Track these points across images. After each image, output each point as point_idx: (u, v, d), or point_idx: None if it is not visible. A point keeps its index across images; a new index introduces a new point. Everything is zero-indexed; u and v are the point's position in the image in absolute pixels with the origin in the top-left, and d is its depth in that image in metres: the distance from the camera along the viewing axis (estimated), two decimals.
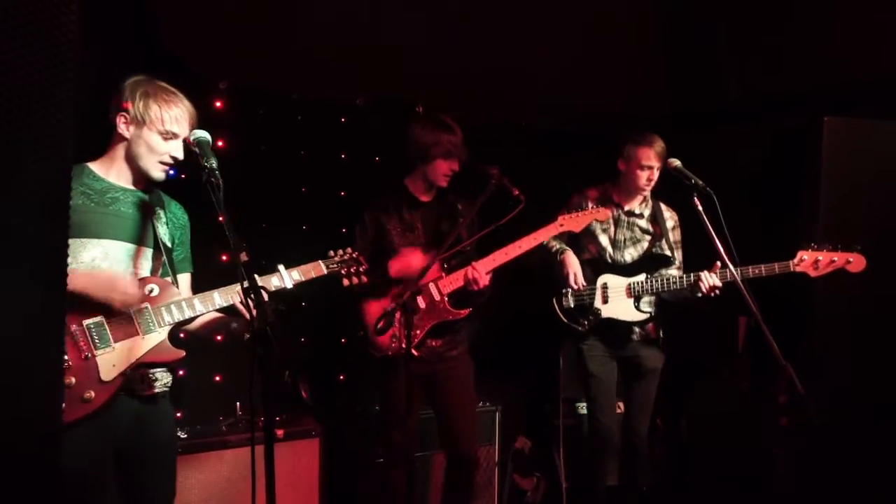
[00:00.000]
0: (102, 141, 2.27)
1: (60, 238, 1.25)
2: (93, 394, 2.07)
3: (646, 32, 4.16)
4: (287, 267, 2.39)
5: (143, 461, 2.25)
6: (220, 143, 3.52)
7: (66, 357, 2.03)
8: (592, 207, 3.26)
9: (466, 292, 3.07)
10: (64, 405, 1.92)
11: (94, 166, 2.24)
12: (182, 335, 2.36)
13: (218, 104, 3.73)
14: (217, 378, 3.63)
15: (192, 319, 2.27)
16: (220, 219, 2.01)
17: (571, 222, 3.17)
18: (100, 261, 2.15)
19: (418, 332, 3.06)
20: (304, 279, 2.42)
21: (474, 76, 3.99)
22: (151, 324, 2.18)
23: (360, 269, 2.54)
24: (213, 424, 3.40)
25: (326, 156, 4.12)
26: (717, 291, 3.14)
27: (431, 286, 3.08)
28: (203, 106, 3.64)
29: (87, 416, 2.06)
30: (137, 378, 2.21)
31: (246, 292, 1.91)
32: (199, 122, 2.27)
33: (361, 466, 3.68)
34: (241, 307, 2.21)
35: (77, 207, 2.08)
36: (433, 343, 3.12)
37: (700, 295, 3.25)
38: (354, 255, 2.55)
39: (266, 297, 2.12)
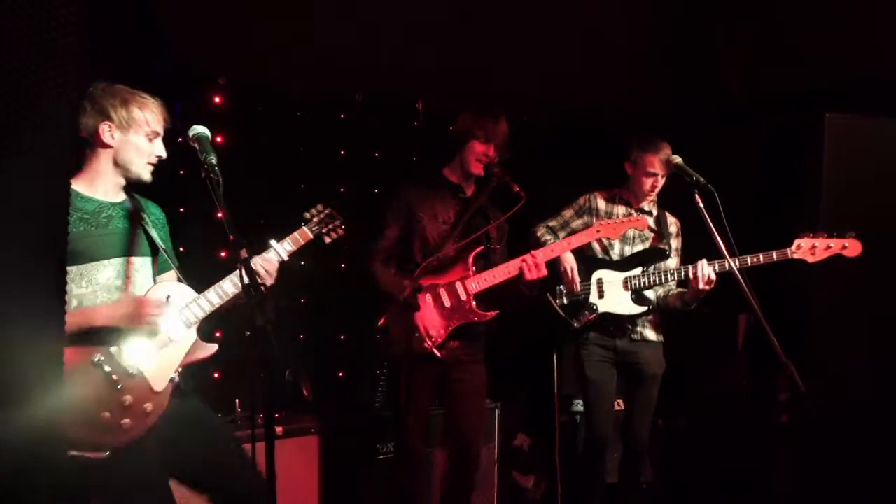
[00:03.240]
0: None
1: (60, 237, 1.24)
2: (151, 406, 2.14)
3: (646, 31, 4.15)
4: (277, 240, 2.46)
5: (205, 445, 2.33)
6: (218, 139, 3.50)
7: (115, 378, 2.08)
8: (631, 216, 3.29)
9: (494, 294, 3.03)
10: (130, 422, 2.06)
11: (78, 186, 2.21)
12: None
13: (217, 100, 3.71)
14: (216, 375, 3.61)
15: (213, 313, 2.31)
16: (220, 215, 2.01)
17: (608, 229, 3.15)
18: (114, 279, 2.19)
19: (442, 331, 2.98)
20: (295, 248, 2.48)
21: (474, 73, 3.98)
22: (179, 328, 2.24)
23: (337, 225, 2.59)
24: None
25: (325, 152, 4.11)
26: (711, 286, 3.12)
27: (458, 285, 3.01)
28: (202, 101, 3.68)
29: (154, 426, 2.14)
30: None
31: (246, 289, 1.90)
32: (196, 119, 2.28)
33: (361, 463, 3.68)
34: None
35: (81, 234, 2.14)
36: (452, 344, 3.04)
37: (693, 306, 3.25)
38: (328, 212, 2.58)
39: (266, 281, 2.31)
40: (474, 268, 3.04)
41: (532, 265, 2.96)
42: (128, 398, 2.09)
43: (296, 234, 2.49)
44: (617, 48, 4.11)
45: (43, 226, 1.21)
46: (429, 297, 3.01)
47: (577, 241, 3.15)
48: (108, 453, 2.02)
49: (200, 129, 2.17)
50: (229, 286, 2.31)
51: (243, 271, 1.91)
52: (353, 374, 4.10)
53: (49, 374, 1.23)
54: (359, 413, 3.84)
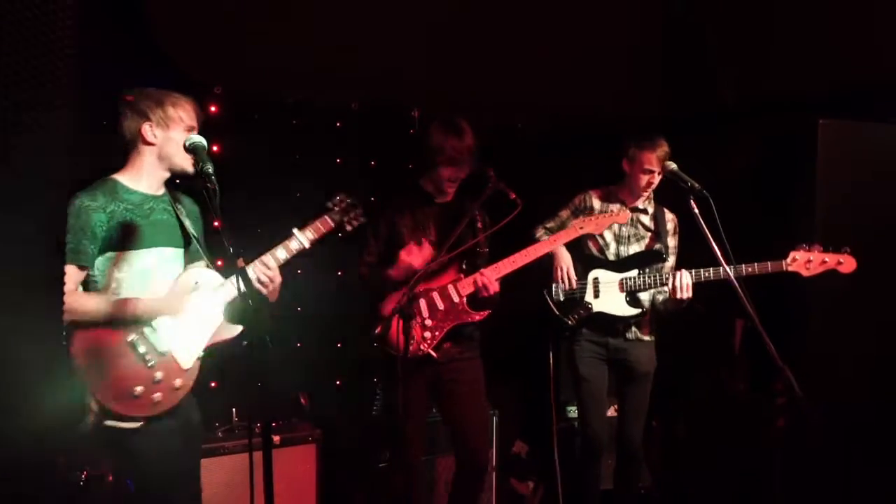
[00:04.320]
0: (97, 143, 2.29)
1: (58, 233, 1.25)
2: (180, 381, 2.31)
3: (641, 36, 4.17)
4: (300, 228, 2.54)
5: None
6: (215, 148, 3.51)
7: (148, 356, 2.26)
8: (611, 211, 3.29)
9: (484, 295, 3.07)
10: (161, 395, 2.26)
11: (124, 179, 2.35)
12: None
13: (213, 109, 3.72)
14: (213, 384, 3.61)
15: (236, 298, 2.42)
16: (216, 224, 2.01)
17: (591, 224, 3.19)
18: (148, 267, 2.33)
19: (437, 333, 3.04)
20: (317, 237, 2.55)
21: (470, 80, 3.99)
22: (207, 310, 2.38)
23: (358, 214, 2.67)
24: (209, 431, 3.38)
25: (321, 160, 4.11)
26: (689, 291, 3.13)
27: (450, 288, 3.07)
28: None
29: (180, 401, 2.32)
30: None
31: (243, 298, 1.91)
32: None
33: (359, 471, 3.67)
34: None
35: (127, 222, 2.30)
36: (447, 345, 3.09)
37: (671, 309, 3.29)
38: (349, 201, 2.66)
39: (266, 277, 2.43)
40: (465, 269, 3.10)
41: (482, 284, 3.02)
42: (159, 374, 2.26)
43: (317, 222, 2.57)
44: (613, 54, 4.13)
45: (43, 222, 1.22)
46: (423, 301, 3.06)
47: (564, 237, 3.20)
48: (140, 423, 2.22)
49: (197, 139, 2.19)
50: (251, 273, 2.43)
51: (240, 280, 1.91)
52: (351, 383, 4.09)
53: (52, 369, 1.24)
54: (356, 421, 3.83)
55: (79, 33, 1.22)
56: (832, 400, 3.15)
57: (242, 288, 1.94)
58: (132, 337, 2.25)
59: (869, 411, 3.31)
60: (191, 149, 2.17)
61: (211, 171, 2.07)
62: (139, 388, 2.22)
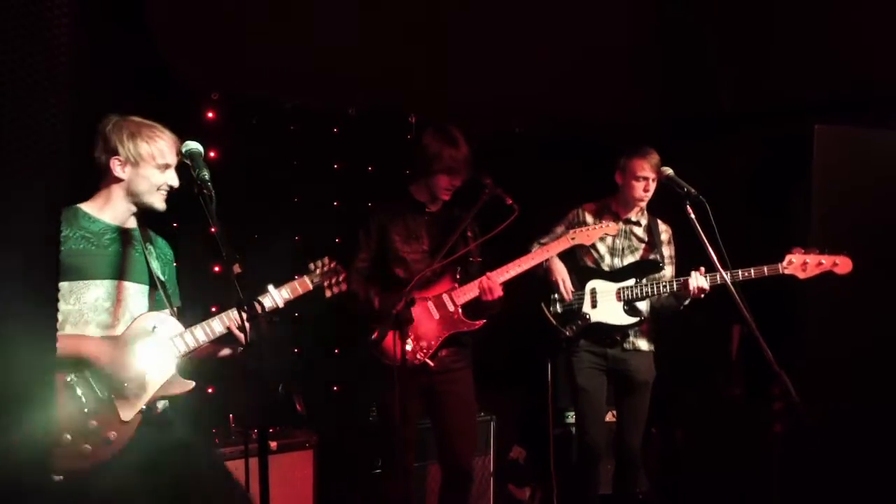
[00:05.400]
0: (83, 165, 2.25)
1: (52, 254, 1.24)
2: (115, 434, 2.09)
3: (639, 42, 4.19)
4: (276, 286, 2.45)
5: (183, 473, 2.24)
6: (212, 154, 3.51)
7: (84, 400, 2.07)
8: (602, 223, 3.30)
9: (480, 303, 3.06)
10: (91, 448, 2.03)
11: (88, 208, 2.26)
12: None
13: (210, 115, 3.72)
14: (210, 390, 3.60)
15: (195, 350, 2.29)
16: (213, 230, 2.01)
17: (582, 235, 3.21)
18: (103, 300, 2.19)
19: (433, 342, 3.04)
20: (293, 297, 2.47)
21: (468, 85, 4.00)
22: (159, 360, 2.21)
23: (340, 279, 2.60)
24: (205, 436, 3.38)
25: (319, 166, 4.11)
26: (704, 294, 3.15)
27: (445, 297, 3.07)
28: (195, 117, 3.68)
29: (113, 456, 2.08)
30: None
31: (239, 304, 1.89)
32: (190, 135, 2.30)
33: (356, 477, 3.66)
34: (237, 332, 2.28)
35: (79, 251, 2.17)
36: (442, 353, 3.09)
37: (686, 302, 3.27)
38: (333, 266, 2.59)
39: (259, 309, 2.17)
40: (458, 278, 3.09)
41: (487, 287, 3.01)
42: (93, 423, 2.06)
43: (295, 282, 2.50)
44: (612, 57, 4.14)
45: (35, 239, 1.21)
46: (418, 309, 3.04)
47: (556, 247, 3.20)
48: (61, 477, 1.96)
49: (193, 145, 2.17)
50: (218, 325, 2.31)
51: (238, 288, 1.90)
52: (348, 389, 4.08)
53: (40, 388, 1.23)
54: (353, 427, 3.82)
55: (76, 37, 1.22)
56: (829, 404, 3.15)
57: (240, 295, 1.92)
58: (70, 377, 2.05)
59: (866, 416, 3.31)
60: (187, 155, 2.15)
61: (207, 177, 2.05)
62: (68, 437, 2.00)
